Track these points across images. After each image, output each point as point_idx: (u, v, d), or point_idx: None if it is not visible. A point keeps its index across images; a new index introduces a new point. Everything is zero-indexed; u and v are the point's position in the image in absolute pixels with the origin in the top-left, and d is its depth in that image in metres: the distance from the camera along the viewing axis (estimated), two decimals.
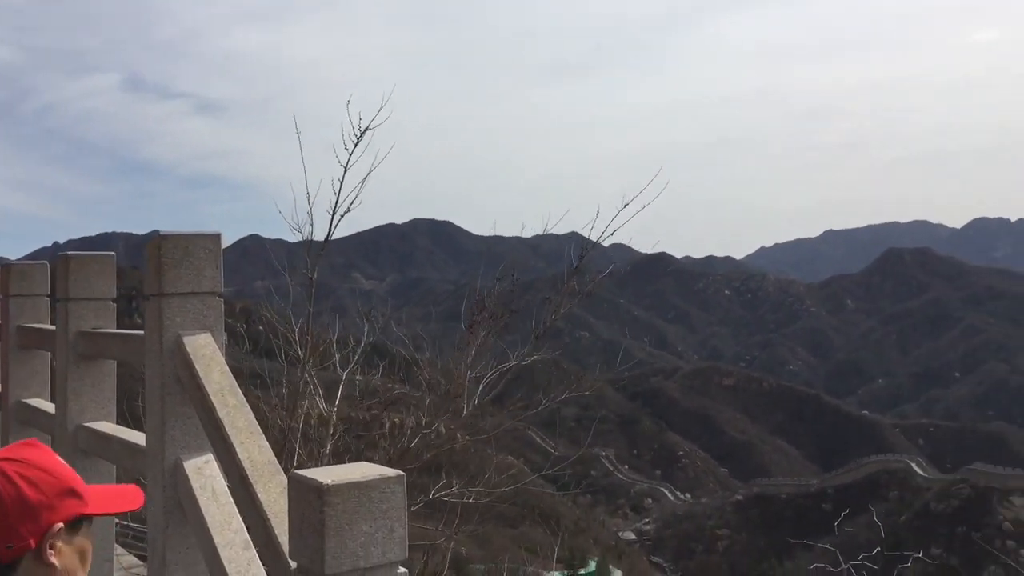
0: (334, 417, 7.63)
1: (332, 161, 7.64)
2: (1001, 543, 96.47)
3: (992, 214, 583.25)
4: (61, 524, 1.95)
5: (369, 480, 2.44)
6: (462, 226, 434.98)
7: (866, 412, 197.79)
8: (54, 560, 1.94)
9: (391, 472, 2.52)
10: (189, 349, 3.66)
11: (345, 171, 7.64)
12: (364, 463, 2.67)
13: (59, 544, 1.95)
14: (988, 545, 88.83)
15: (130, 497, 2.18)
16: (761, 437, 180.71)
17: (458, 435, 8.87)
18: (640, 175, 8.29)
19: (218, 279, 3.84)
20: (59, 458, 2.06)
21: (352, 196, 7.73)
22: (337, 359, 8.70)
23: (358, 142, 7.66)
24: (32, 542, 1.91)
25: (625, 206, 8.29)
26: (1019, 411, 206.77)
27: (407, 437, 7.66)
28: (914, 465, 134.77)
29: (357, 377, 8.64)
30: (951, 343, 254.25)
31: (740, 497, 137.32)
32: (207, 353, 3.66)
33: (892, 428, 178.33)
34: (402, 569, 2.61)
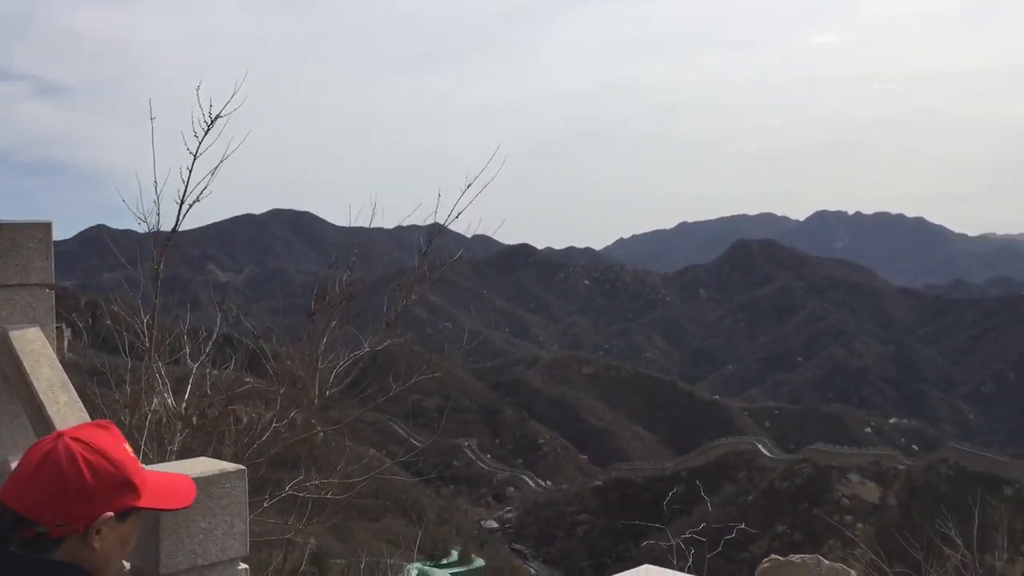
0: (183, 413, 7.40)
1: (183, 149, 7.39)
2: (840, 518, 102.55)
3: (832, 207, 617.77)
4: (111, 514, 2.02)
5: (208, 476, 2.36)
6: (323, 217, 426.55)
7: (717, 397, 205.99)
8: (96, 545, 2.02)
9: (231, 467, 2.47)
10: (16, 344, 3.47)
11: (194, 159, 7.39)
12: (203, 458, 2.62)
13: (105, 530, 2.03)
14: (829, 519, 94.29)
15: (183, 493, 2.22)
16: (619, 423, 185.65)
17: (310, 426, 8.74)
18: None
19: (48, 270, 3.65)
20: (126, 446, 2.10)
21: (202, 185, 7.49)
22: (187, 351, 8.42)
23: (208, 129, 7.41)
24: (81, 526, 1.99)
25: (468, 187, 8.36)
26: (856, 393, 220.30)
27: (257, 431, 7.50)
28: (760, 446, 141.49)
29: (208, 371, 8.39)
30: (795, 330, 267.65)
31: (599, 482, 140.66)
32: (36, 348, 3.48)
33: (741, 411, 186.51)
34: (243, 565, 2.54)
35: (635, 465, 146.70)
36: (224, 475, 2.40)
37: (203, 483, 2.33)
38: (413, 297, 8.82)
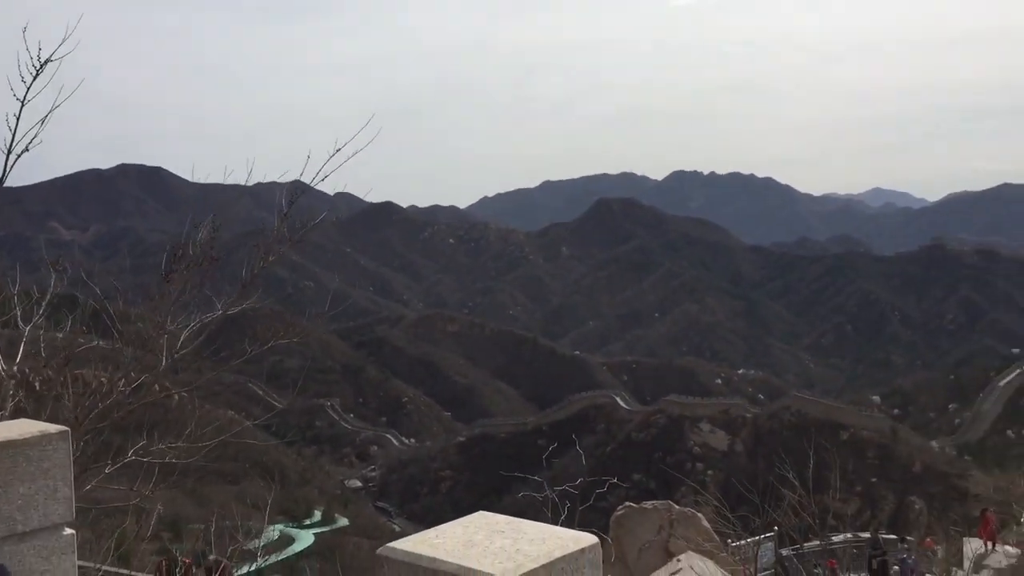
0: (15, 375, 7.02)
1: (9, 96, 6.93)
2: (691, 465, 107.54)
3: (688, 168, 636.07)
4: None
5: (26, 438, 2.23)
6: (176, 173, 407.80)
7: (578, 352, 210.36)
8: None
9: (53, 428, 2.35)
10: None
11: (22, 106, 6.95)
12: (24, 420, 2.50)
13: None
14: (680, 468, 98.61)
15: None
16: (483, 380, 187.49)
17: (162, 389, 8.46)
18: (368, 129, 8.20)
19: None
20: None
21: (32, 135, 7.06)
22: (19, 312, 7.96)
23: (38, 74, 6.98)
24: None
25: (337, 151, 8.18)
26: (708, 347, 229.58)
27: (101, 394, 7.20)
28: (618, 399, 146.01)
29: (42, 332, 7.97)
30: (652, 286, 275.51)
31: (463, 439, 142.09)
32: None
33: (601, 366, 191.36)
34: (69, 531, 2.46)
35: (498, 421, 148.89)
36: (45, 437, 2.26)
37: (20, 446, 2.19)
38: (271, 259, 8.59)
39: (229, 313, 8.51)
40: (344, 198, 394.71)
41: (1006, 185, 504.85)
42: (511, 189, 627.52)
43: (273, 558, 41.08)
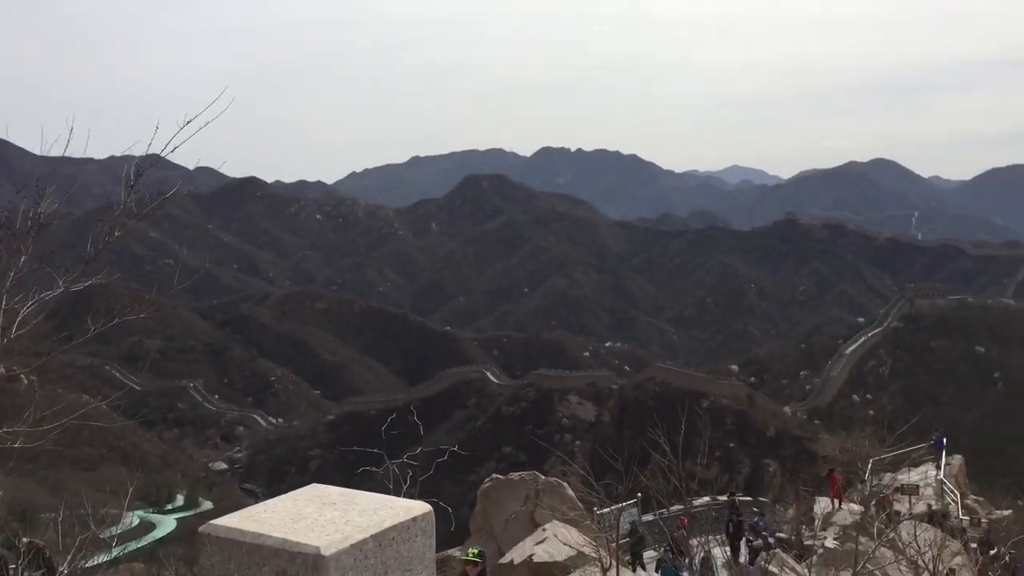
0: None
1: None
2: (560, 437, 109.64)
3: (556, 144, 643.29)
4: None
5: None
6: (20, 144, 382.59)
7: (448, 328, 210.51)
8: None
9: None
10: None
11: None
12: None
13: None
14: (550, 440, 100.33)
15: None
16: (352, 357, 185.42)
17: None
18: (225, 98, 7.86)
19: None
20: None
21: None
22: None
23: None
24: None
25: (188, 122, 7.83)
26: (576, 320, 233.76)
27: None
28: (489, 374, 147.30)
29: None
30: (521, 262, 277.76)
31: (332, 417, 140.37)
32: None
33: (471, 341, 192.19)
34: None
35: (368, 398, 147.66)
36: None
37: None
38: (116, 233, 8.16)
39: (73, 290, 8.06)
40: (205, 173, 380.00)
41: (852, 163, 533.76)
42: (380, 165, 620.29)
43: (133, 545, 39.61)
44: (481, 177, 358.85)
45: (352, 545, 2.93)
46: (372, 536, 3.01)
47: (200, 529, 3.12)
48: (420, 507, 3.22)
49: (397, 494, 8.87)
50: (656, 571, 17.93)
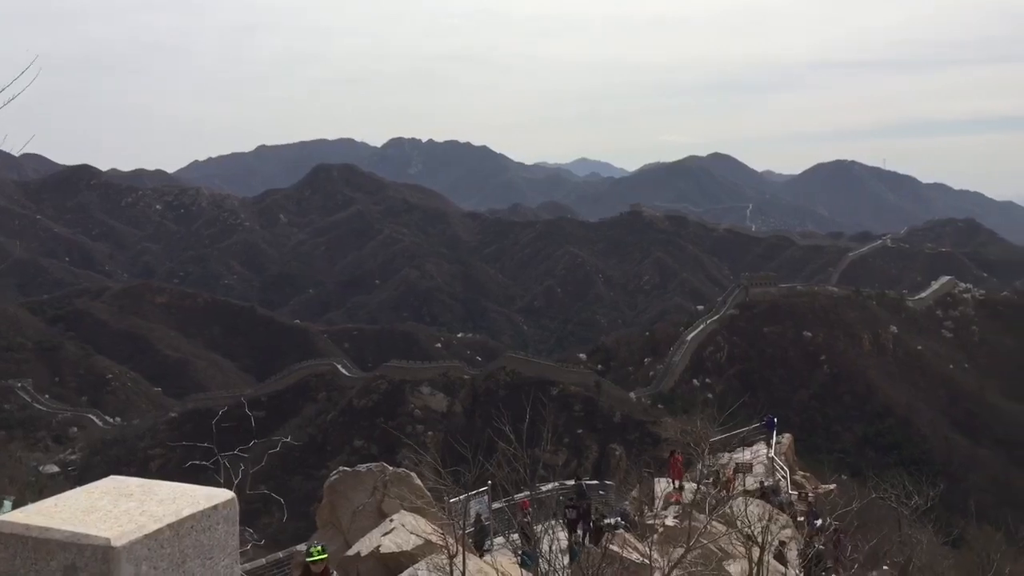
0: None
1: None
2: (412, 428, 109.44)
3: (407, 135, 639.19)
4: None
5: None
6: None
7: (298, 321, 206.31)
8: None
9: None
10: None
11: None
12: None
13: None
14: (402, 431, 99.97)
15: None
16: (196, 353, 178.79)
17: None
18: (39, 79, 7.34)
19: None
20: None
21: None
22: None
23: None
24: None
25: None
26: (428, 311, 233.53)
27: None
28: (340, 367, 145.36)
29: None
30: (372, 253, 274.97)
31: (175, 415, 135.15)
32: None
33: (321, 335, 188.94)
34: None
35: (213, 394, 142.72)
36: None
37: None
38: None
39: None
40: (33, 160, 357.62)
41: (692, 157, 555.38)
42: (225, 153, 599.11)
43: None
44: (331, 167, 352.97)
45: (147, 535, 2.82)
46: (169, 525, 2.91)
47: None
48: (222, 495, 3.14)
49: (229, 488, 8.60)
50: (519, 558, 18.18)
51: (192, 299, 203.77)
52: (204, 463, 10.45)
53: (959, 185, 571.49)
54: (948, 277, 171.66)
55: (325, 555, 10.22)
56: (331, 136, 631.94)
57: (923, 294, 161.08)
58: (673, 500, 27.50)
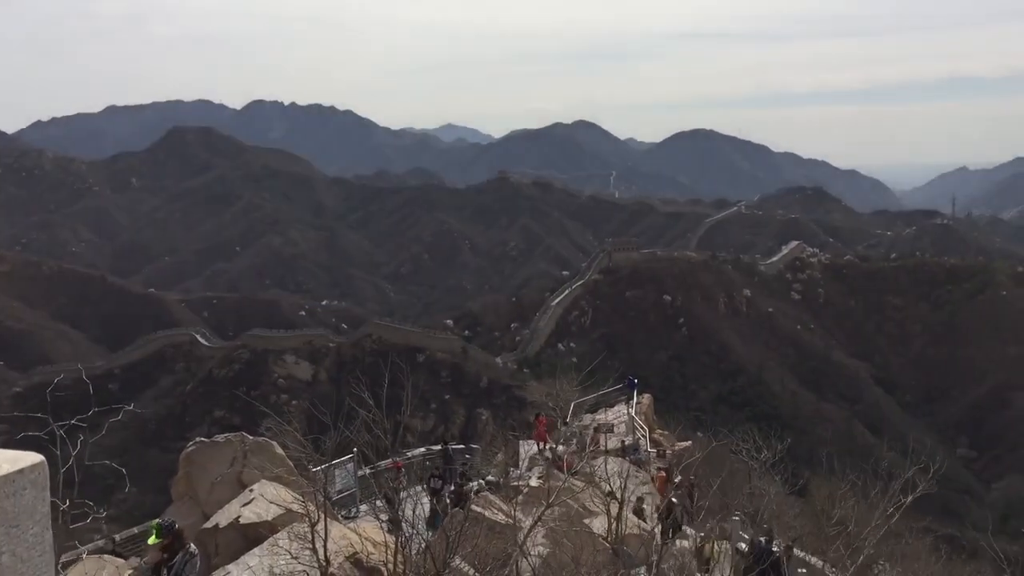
0: None
1: None
2: (276, 397, 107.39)
3: (269, 97, 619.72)
4: None
5: None
6: None
7: (153, 290, 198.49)
8: None
9: None
10: None
11: None
12: None
13: None
14: (265, 401, 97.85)
15: None
16: (42, 324, 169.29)
17: None
18: None
19: None
20: None
21: None
22: None
23: None
24: None
25: None
26: (292, 279, 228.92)
27: None
28: (198, 336, 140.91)
29: None
30: (232, 219, 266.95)
31: (19, 389, 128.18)
32: None
33: (179, 303, 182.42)
34: None
35: (61, 367, 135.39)
36: None
37: None
38: None
39: None
40: None
41: (558, 124, 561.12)
42: (71, 114, 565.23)
43: None
44: (187, 130, 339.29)
45: None
46: None
47: None
48: (30, 458, 2.92)
49: (66, 461, 8.17)
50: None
51: (36, 267, 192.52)
52: (40, 435, 9.87)
53: (808, 154, 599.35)
54: (797, 242, 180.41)
55: (165, 534, 9.78)
56: (187, 98, 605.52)
57: (774, 258, 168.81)
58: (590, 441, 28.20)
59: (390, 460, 19.85)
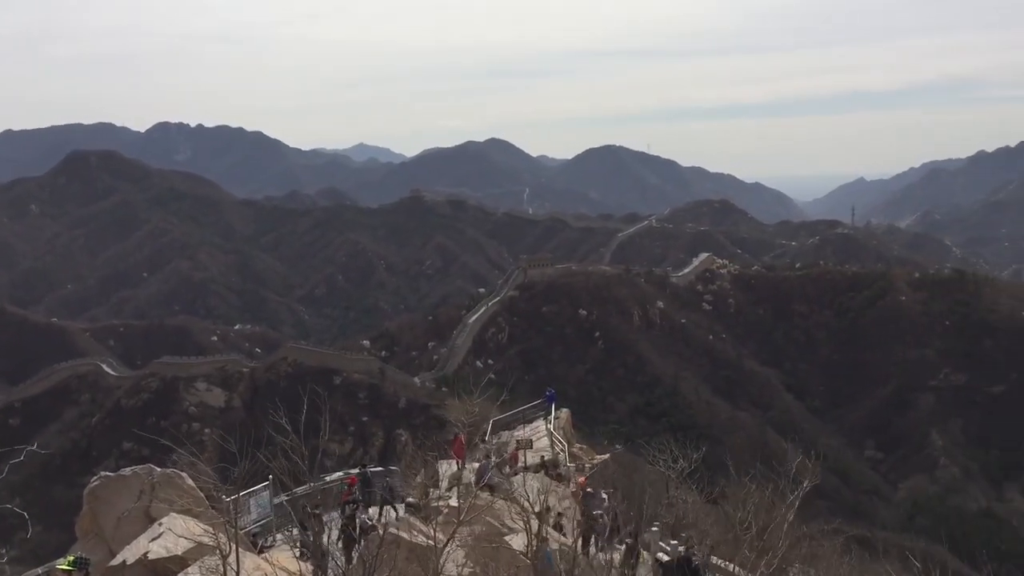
0: None
1: None
2: (188, 426, 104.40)
3: (174, 119, 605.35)
4: None
5: None
6: None
7: (55, 319, 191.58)
8: None
9: None
10: None
11: None
12: None
13: None
14: (177, 430, 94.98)
15: None
16: None
17: None
18: None
19: None
20: None
21: None
22: None
23: None
24: None
25: None
26: (203, 304, 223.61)
27: None
28: (105, 366, 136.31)
29: None
30: (138, 244, 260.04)
31: None
32: None
33: (83, 333, 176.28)
34: None
35: None
36: None
37: None
38: None
39: None
40: None
41: (470, 142, 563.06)
42: None
43: None
44: (88, 153, 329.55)
45: None
46: None
47: None
48: None
49: None
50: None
51: None
52: None
53: (714, 168, 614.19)
54: (707, 254, 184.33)
55: (78, 566, 9.46)
56: (88, 121, 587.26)
57: (685, 271, 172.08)
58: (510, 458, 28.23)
59: (342, 473, 19.48)
